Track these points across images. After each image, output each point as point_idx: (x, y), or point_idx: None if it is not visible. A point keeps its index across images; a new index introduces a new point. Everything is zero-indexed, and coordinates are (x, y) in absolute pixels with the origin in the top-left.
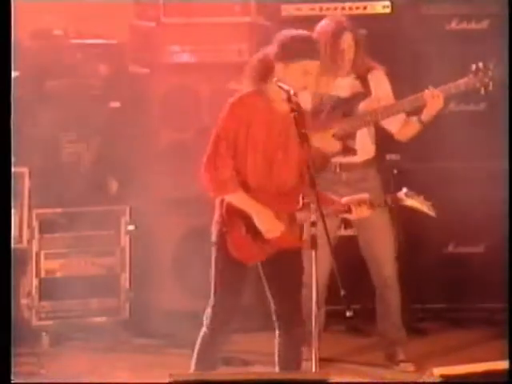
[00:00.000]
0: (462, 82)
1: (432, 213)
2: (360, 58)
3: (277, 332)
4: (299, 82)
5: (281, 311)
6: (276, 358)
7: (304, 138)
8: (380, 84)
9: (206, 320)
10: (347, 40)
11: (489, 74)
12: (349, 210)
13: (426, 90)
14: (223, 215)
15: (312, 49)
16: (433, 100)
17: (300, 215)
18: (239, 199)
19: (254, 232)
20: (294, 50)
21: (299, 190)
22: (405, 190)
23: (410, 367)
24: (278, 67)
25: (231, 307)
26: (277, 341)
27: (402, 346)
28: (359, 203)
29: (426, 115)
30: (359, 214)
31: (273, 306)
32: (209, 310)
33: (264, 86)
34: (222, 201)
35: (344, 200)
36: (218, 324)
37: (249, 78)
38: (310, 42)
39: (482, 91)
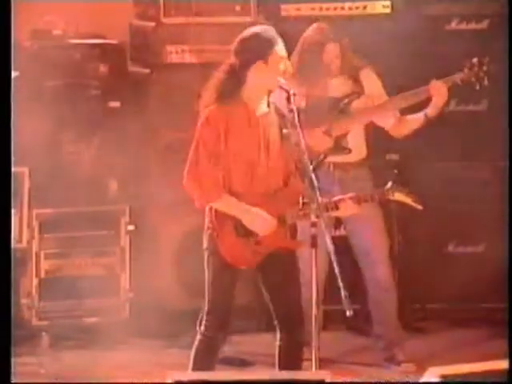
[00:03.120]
0: (456, 76)
1: (418, 206)
2: (348, 63)
3: (278, 335)
4: (280, 69)
5: (281, 314)
6: (276, 360)
7: (286, 139)
8: (371, 82)
9: (201, 327)
10: (332, 51)
11: (483, 69)
12: (336, 208)
13: (432, 83)
14: (213, 221)
15: (274, 35)
16: (438, 92)
17: (291, 215)
18: (225, 204)
19: (245, 235)
20: (265, 43)
21: (286, 191)
22: (390, 184)
23: (412, 367)
24: (259, 66)
25: (226, 312)
26: (278, 343)
27: (400, 346)
28: (346, 200)
29: (433, 109)
30: (347, 210)
31: (272, 309)
32: (203, 317)
33: (240, 91)
34: (210, 208)
35: (333, 198)
36: (213, 330)
37: (221, 87)
38: (270, 29)
39: (477, 86)
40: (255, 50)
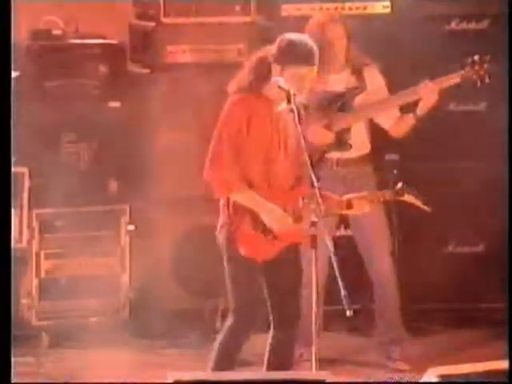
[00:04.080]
0: (458, 74)
1: (427, 208)
2: (353, 51)
3: (272, 331)
4: (294, 86)
5: (279, 311)
6: (266, 357)
7: (299, 137)
8: (374, 79)
9: (225, 328)
10: (335, 30)
11: (484, 67)
12: (349, 206)
13: (421, 84)
14: (231, 215)
15: (309, 54)
16: (427, 93)
17: (307, 211)
18: (245, 197)
19: (263, 228)
20: (292, 55)
21: (301, 187)
22: (400, 185)
23: (404, 366)
24: (275, 69)
25: (253, 308)
26: (270, 340)
27: (399, 344)
28: (359, 199)
29: (422, 109)
30: (360, 209)
31: (270, 306)
32: (229, 317)
33: (263, 86)
34: (228, 202)
35: (345, 196)
36: (241, 328)
37: (248, 78)
38: (308, 46)
39: (478, 84)
40: (281, 53)
